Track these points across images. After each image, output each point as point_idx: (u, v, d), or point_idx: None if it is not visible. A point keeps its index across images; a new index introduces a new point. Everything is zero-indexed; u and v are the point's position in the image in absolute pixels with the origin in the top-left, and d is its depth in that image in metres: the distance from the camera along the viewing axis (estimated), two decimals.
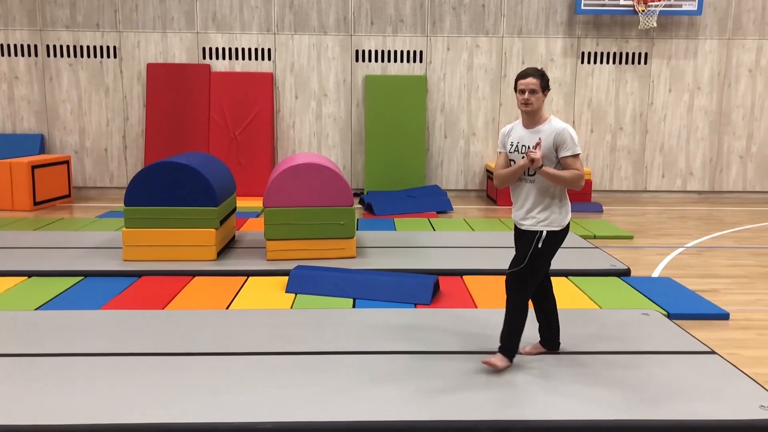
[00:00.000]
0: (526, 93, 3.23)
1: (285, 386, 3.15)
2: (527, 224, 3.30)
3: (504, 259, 5.55)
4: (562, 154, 3.21)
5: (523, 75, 3.28)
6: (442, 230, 6.95)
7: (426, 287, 4.58)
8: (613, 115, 9.56)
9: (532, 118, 3.28)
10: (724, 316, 4.40)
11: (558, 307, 3.60)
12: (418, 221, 7.43)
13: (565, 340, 3.71)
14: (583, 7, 9.05)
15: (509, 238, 6.44)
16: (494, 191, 9.03)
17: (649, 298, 4.65)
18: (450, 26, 9.30)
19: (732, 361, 3.55)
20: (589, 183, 8.89)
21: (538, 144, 3.18)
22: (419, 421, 2.86)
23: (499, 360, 3.34)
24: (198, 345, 3.66)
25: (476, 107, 9.47)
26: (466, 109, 9.45)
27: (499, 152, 3.43)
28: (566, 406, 2.98)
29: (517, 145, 3.30)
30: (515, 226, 3.45)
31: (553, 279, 4.93)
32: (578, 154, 3.23)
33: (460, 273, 5.20)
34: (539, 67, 3.30)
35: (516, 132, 3.34)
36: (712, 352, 3.62)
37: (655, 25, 8.97)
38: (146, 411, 2.90)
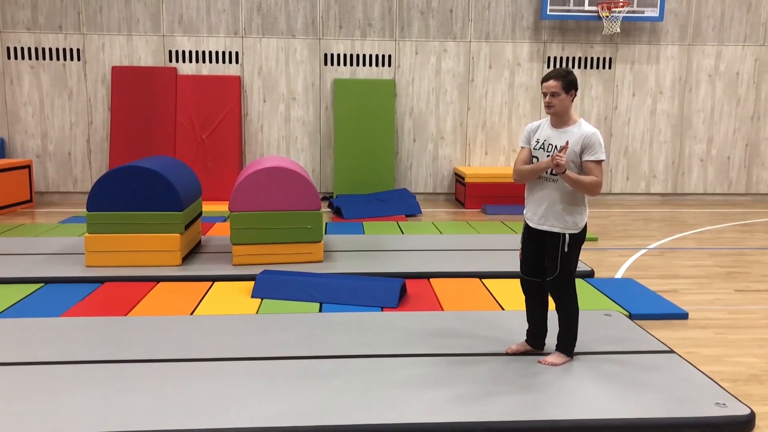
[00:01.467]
0: (548, 96, 3.27)
1: (249, 391, 3.13)
2: (547, 226, 3.33)
3: (470, 261, 5.64)
4: (587, 157, 3.21)
5: (545, 78, 3.31)
6: (410, 233, 6.98)
7: (393, 291, 4.59)
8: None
9: (560, 119, 3.29)
10: (683, 316, 4.50)
11: (521, 309, 3.64)
12: (387, 225, 7.44)
13: (491, 340, 3.76)
14: (548, 12, 9.19)
15: (477, 241, 6.57)
16: (462, 195, 9.10)
17: (611, 299, 4.74)
18: (418, 31, 9.36)
19: (690, 360, 3.64)
20: None
21: (564, 147, 3.19)
22: (383, 424, 2.86)
23: (555, 357, 3.46)
24: (161, 351, 3.61)
25: (444, 111, 9.53)
26: (434, 113, 9.51)
27: (522, 147, 3.44)
28: (529, 405, 3.02)
29: (543, 144, 3.32)
30: (526, 225, 3.45)
31: (517, 281, 5.05)
32: (602, 160, 3.23)
33: (428, 276, 5.23)
34: (566, 69, 3.33)
35: (544, 130, 3.36)
36: (671, 352, 3.70)
37: (618, 30, 9.15)
38: (105, 418, 2.85)
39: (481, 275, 5.26)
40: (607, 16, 9.10)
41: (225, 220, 7.63)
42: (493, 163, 9.69)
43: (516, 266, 5.36)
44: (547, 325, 3.61)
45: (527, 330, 3.65)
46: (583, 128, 3.26)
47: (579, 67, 9.58)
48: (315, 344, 3.75)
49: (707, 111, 9.80)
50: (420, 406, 3.00)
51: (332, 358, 3.55)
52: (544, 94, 3.29)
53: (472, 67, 9.50)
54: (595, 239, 6.98)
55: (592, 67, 9.61)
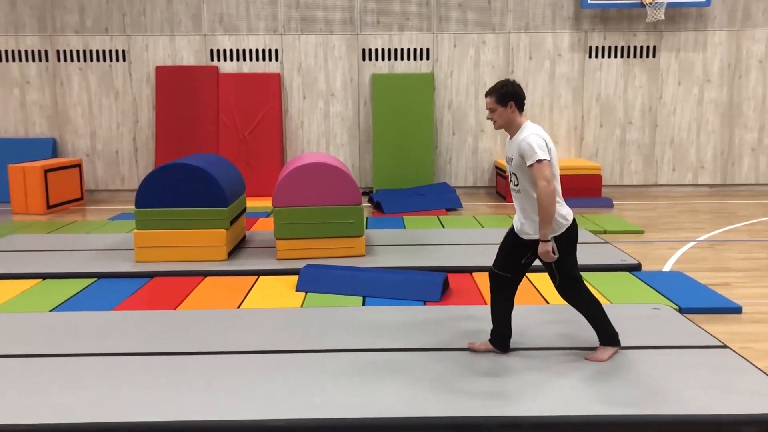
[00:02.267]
0: (488, 112, 3.33)
1: (296, 384, 3.17)
2: (525, 235, 3.31)
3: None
4: (527, 164, 3.17)
5: (485, 95, 3.35)
6: (451, 228, 6.96)
7: (435, 285, 4.59)
8: (622, 109, 9.51)
9: (510, 130, 3.32)
10: (737, 310, 4.37)
11: (563, 303, 3.59)
12: (428, 219, 7.43)
13: (576, 336, 3.72)
14: (589, 1, 9.01)
15: None
16: (504, 188, 9.01)
17: (660, 293, 4.63)
18: (456, 23, 9.29)
19: (744, 355, 3.53)
20: (598, 178, 8.86)
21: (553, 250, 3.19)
22: (428, 417, 2.87)
23: (600, 353, 3.40)
24: (210, 344, 3.69)
25: (483, 104, 9.39)
26: (474, 106, 9.44)
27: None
28: (576, 401, 2.98)
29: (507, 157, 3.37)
30: (513, 228, 3.43)
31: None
32: (540, 160, 3.11)
33: (470, 270, 5.20)
34: (503, 80, 3.34)
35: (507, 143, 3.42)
36: (724, 347, 3.61)
37: (663, 17, 8.91)
38: (156, 409, 2.93)
39: None
40: (650, 3, 8.87)
41: (268, 216, 7.74)
42: None
43: None
44: (511, 327, 3.51)
45: (491, 329, 3.55)
46: (520, 135, 3.24)
47: (622, 56, 9.37)
48: (361, 338, 3.78)
49: (758, 98, 9.46)
50: (473, 401, 2.99)
51: (379, 351, 3.57)
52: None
53: (512, 58, 9.39)
54: (641, 231, 6.84)
55: (635, 56, 9.38)
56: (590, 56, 9.40)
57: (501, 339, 3.53)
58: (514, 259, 3.41)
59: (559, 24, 9.33)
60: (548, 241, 3.17)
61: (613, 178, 9.59)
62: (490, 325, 3.58)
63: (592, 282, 4.87)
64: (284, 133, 9.46)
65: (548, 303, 4.47)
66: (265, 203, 8.35)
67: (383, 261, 5.45)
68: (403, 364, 3.40)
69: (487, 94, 3.31)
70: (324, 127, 9.49)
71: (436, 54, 9.30)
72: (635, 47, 9.37)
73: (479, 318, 4.07)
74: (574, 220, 3.33)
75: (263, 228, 6.94)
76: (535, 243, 3.26)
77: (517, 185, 3.30)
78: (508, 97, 3.25)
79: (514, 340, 3.56)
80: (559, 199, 3.26)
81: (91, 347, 3.67)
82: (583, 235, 6.33)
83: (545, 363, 3.40)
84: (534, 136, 3.18)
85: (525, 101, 3.29)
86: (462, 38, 9.31)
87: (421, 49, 9.29)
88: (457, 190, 9.12)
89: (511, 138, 3.32)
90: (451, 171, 9.59)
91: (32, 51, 9.25)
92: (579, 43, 9.37)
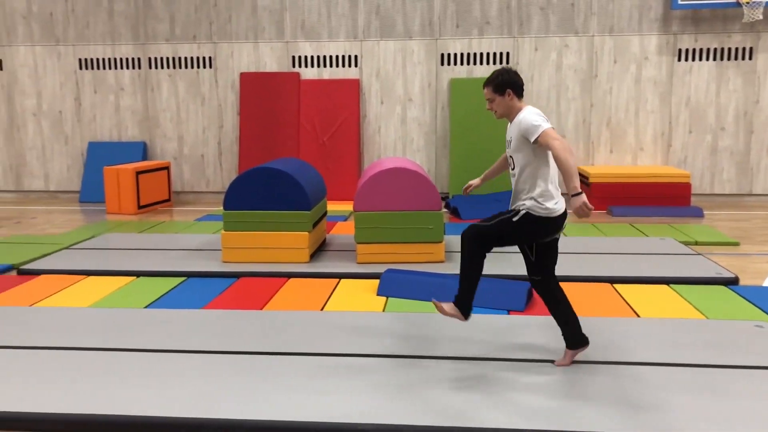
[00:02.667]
0: (488, 103, 3.36)
1: (382, 389, 3.18)
2: (513, 206, 3.33)
3: (599, 265, 5.41)
4: (533, 139, 3.16)
5: (483, 86, 3.36)
6: None
7: (520, 294, 4.50)
8: (713, 114, 9.06)
9: (510, 117, 3.33)
10: None
11: (659, 316, 3.44)
12: None
13: (670, 350, 3.55)
14: (680, 2, 8.63)
15: (604, 244, 6.29)
16: (586, 195, 8.74)
17: (761, 309, 4.36)
18: (538, 26, 9.12)
19: None
20: (687, 186, 8.46)
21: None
22: (509, 429, 2.81)
23: (450, 308, 3.31)
24: (296, 345, 3.75)
25: (566, 108, 9.23)
26: (555, 111, 9.23)
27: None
28: (671, 420, 2.85)
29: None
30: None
31: (653, 287, 4.80)
32: (545, 129, 3.12)
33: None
34: (499, 69, 3.36)
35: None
36: None
37: (761, 17, 8.43)
38: (240, 406, 3.01)
39: (613, 280, 5.02)
40: (747, 3, 8.41)
41: (345, 220, 7.83)
42: (619, 162, 9.25)
43: (650, 272, 5.11)
44: (576, 319, 3.41)
45: (562, 335, 3.47)
46: (518, 117, 3.25)
47: (714, 59, 8.93)
48: (444, 344, 3.75)
49: None
50: (543, 414, 2.92)
51: (462, 360, 3.53)
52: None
53: (596, 62, 9.12)
54: (736, 243, 6.47)
55: (729, 59, 8.92)
56: (679, 59, 9.01)
57: (574, 338, 3.41)
58: (527, 258, 3.42)
59: (646, 26, 8.99)
60: (579, 193, 3.07)
61: (702, 186, 9.14)
62: (573, 335, 3.46)
63: (685, 295, 4.65)
64: (361, 138, 9.56)
65: (638, 316, 4.29)
66: (343, 207, 8.46)
67: None
68: (482, 374, 3.34)
69: (484, 85, 3.35)
70: (401, 132, 9.52)
71: (516, 58, 9.16)
72: (729, 49, 8.90)
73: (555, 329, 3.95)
74: (555, 219, 3.24)
75: (341, 231, 7.02)
76: (522, 212, 3.22)
77: (513, 169, 3.32)
78: (505, 85, 3.28)
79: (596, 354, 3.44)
80: (555, 188, 3.24)
81: (185, 344, 3.81)
82: (672, 245, 6.11)
83: (636, 378, 3.25)
84: (530, 113, 3.20)
85: (523, 87, 3.31)
86: (544, 42, 9.13)
87: (501, 53, 9.17)
88: None
89: (511, 122, 3.33)
90: None
91: (126, 59, 9.76)
92: (667, 45, 9.00)
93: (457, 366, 3.45)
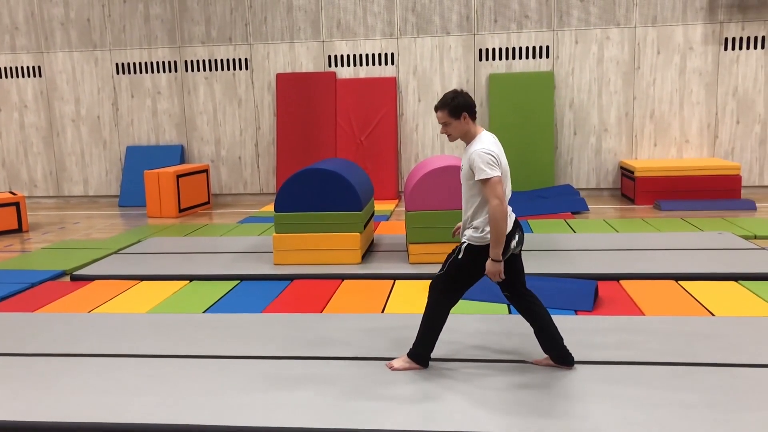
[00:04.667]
0: (442, 127, 3.24)
1: (456, 393, 3.09)
2: (463, 237, 3.24)
3: (662, 262, 5.26)
4: (476, 180, 3.08)
5: (435, 109, 3.26)
6: (582, 232, 6.67)
7: (587, 293, 4.37)
8: (762, 104, 8.80)
9: (466, 141, 3.23)
10: None
11: (731, 315, 3.30)
12: (555, 223, 7.17)
13: (745, 350, 3.41)
14: None
15: (662, 240, 6.12)
16: (630, 190, 8.57)
17: None
18: (578, 19, 8.94)
19: None
20: (737, 178, 8.24)
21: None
22: None
23: (401, 362, 3.30)
24: (364, 350, 3.67)
25: (608, 102, 9.04)
26: (596, 104, 9.05)
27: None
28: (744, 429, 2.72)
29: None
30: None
31: (720, 283, 4.64)
32: (491, 179, 3.01)
33: (617, 277, 4.93)
34: (451, 92, 3.22)
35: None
36: None
37: None
38: (323, 415, 2.94)
39: (678, 277, 4.87)
40: None
41: (388, 219, 7.75)
42: (663, 155, 9.04)
43: (716, 267, 4.95)
44: (558, 335, 3.30)
45: (543, 349, 3.37)
46: (472, 147, 3.14)
47: (763, 47, 8.67)
48: (506, 347, 3.65)
49: None
50: (608, 417, 2.80)
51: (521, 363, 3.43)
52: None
53: (638, 53, 8.91)
54: None
55: None
56: (726, 48, 8.77)
57: (558, 354, 3.31)
58: (448, 258, 3.30)
59: (690, 16, 8.76)
60: (499, 261, 3.05)
61: (752, 178, 8.90)
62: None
63: (758, 292, 4.47)
64: (399, 137, 9.47)
65: (713, 315, 4.14)
66: (383, 207, 8.38)
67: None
68: (566, 378, 3.24)
69: (437, 108, 3.23)
70: (438, 129, 9.39)
71: (556, 51, 8.99)
72: None
73: (631, 330, 3.83)
74: (514, 243, 3.13)
75: (386, 231, 6.94)
76: (464, 247, 3.16)
77: (463, 196, 3.25)
78: (461, 108, 3.18)
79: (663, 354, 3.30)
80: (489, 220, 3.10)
81: (252, 350, 3.74)
82: (731, 239, 5.91)
83: (709, 384, 3.12)
84: (483, 151, 3.06)
85: (476, 109, 3.21)
86: (584, 34, 8.94)
87: (541, 47, 9.01)
88: (579, 192, 8.77)
89: (467, 147, 3.22)
90: (572, 172, 9.23)
91: (163, 62, 9.78)
92: (713, 34, 8.76)
93: (522, 370, 3.35)
